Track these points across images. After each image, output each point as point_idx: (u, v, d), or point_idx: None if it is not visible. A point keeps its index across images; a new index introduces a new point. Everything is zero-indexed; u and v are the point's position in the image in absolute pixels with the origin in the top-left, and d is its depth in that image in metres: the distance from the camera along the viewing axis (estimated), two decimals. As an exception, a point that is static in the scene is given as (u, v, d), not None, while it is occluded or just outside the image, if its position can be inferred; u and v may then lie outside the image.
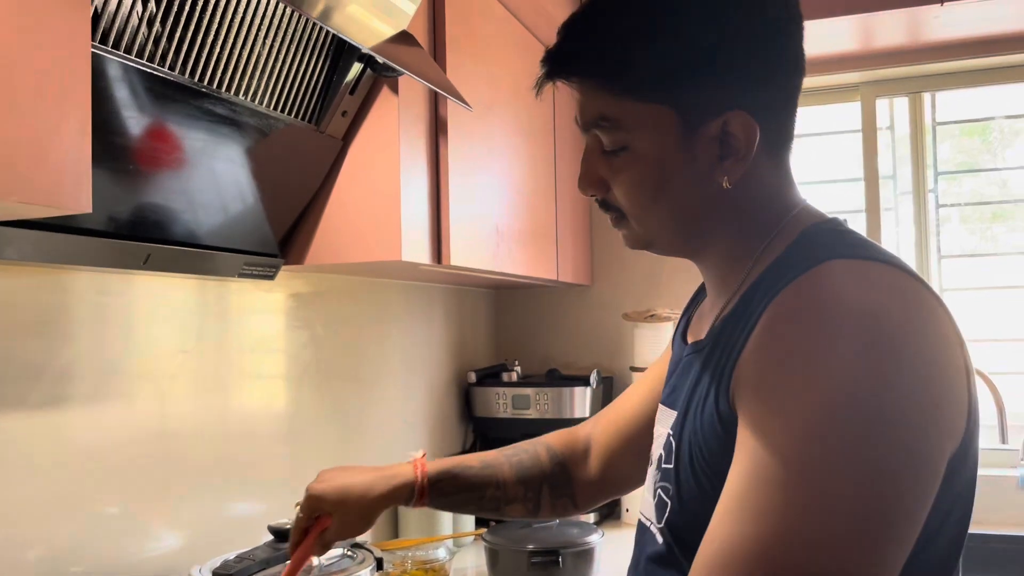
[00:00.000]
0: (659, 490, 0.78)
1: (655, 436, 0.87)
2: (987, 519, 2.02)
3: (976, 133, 2.36)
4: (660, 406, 0.88)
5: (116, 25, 0.96)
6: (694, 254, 0.83)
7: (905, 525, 0.60)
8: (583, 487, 1.08)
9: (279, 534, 1.26)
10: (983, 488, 0.71)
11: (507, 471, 1.06)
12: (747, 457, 0.63)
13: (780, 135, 0.78)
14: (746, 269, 0.77)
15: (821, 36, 2.11)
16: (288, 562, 1.01)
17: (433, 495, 1.03)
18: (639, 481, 1.00)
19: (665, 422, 0.83)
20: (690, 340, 0.87)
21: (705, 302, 0.90)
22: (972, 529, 0.71)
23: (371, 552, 1.29)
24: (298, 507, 1.03)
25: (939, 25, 2.05)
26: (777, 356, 0.65)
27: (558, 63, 0.78)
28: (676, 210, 0.77)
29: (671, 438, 0.79)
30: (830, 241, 0.73)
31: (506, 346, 2.57)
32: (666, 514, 0.76)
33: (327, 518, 1.00)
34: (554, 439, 1.11)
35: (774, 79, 0.75)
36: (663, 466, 0.78)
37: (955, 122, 2.36)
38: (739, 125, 0.73)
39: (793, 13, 0.76)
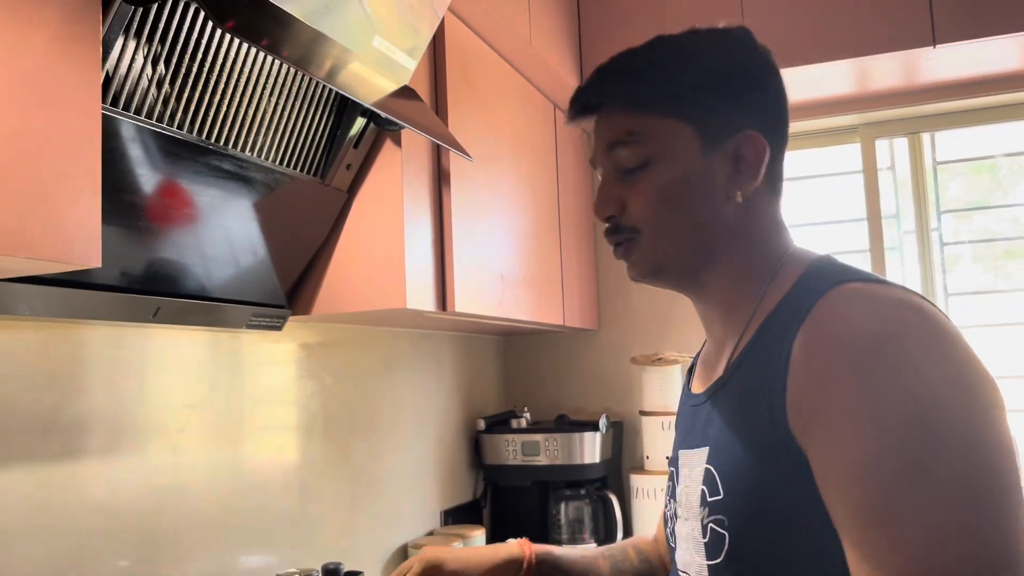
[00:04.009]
0: (711, 525, 0.79)
1: (681, 481, 0.89)
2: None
3: (985, 171, 2.37)
4: (680, 452, 0.90)
5: (127, 88, 1.00)
6: (700, 286, 0.86)
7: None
8: None
9: (287, 584, 1.26)
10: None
11: (603, 564, 1.12)
12: (862, 481, 0.65)
13: (778, 169, 0.86)
14: (752, 305, 0.81)
15: (819, 79, 2.15)
16: None
17: (538, 574, 1.09)
18: None
19: (692, 463, 0.85)
20: (700, 386, 0.91)
21: (707, 348, 0.94)
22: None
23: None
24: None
25: (933, 66, 2.09)
26: (846, 385, 0.67)
27: (590, 93, 0.86)
28: (692, 224, 0.82)
29: (713, 472, 0.80)
30: (842, 269, 0.78)
31: (515, 393, 2.57)
32: (725, 546, 0.77)
33: None
34: (635, 541, 1.19)
35: (778, 112, 0.86)
36: (709, 500, 0.79)
37: (955, 161, 2.38)
38: (751, 146, 0.82)
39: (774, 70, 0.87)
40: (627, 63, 0.87)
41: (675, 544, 0.90)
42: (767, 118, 0.85)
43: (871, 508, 0.64)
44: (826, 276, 0.76)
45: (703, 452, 0.83)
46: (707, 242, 0.83)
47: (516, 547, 1.09)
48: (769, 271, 0.82)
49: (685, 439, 0.90)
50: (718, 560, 0.78)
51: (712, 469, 0.80)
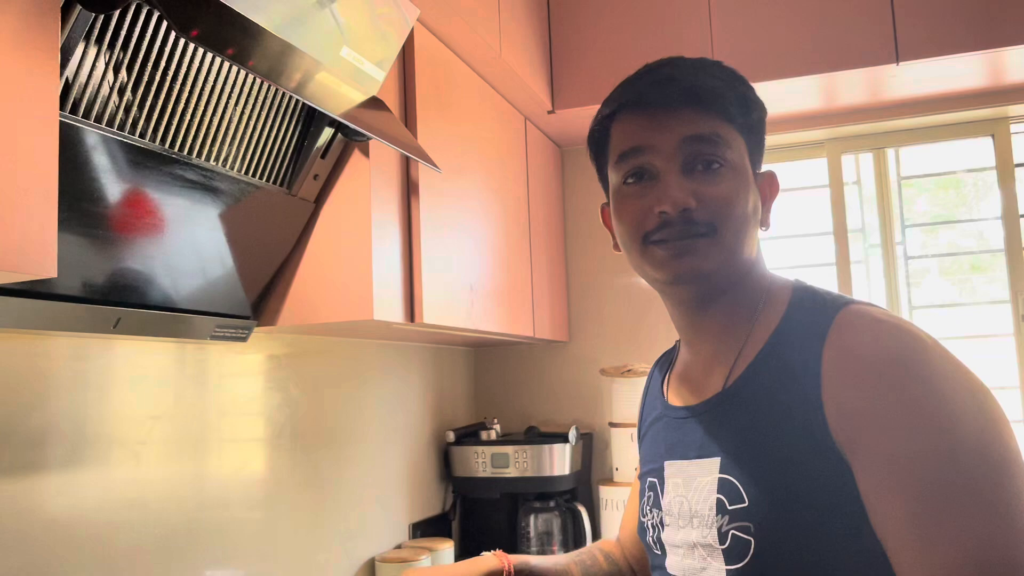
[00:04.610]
0: (732, 532, 0.82)
1: (669, 491, 0.91)
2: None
3: (951, 186, 2.41)
4: (667, 463, 0.92)
5: (87, 95, 0.98)
6: (719, 299, 0.90)
7: None
8: None
9: (249, 600, 1.24)
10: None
11: (575, 569, 1.15)
12: (916, 484, 0.71)
13: None
14: (748, 325, 0.88)
15: (786, 95, 2.18)
16: None
17: None
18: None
19: (689, 473, 0.88)
20: (683, 400, 0.94)
21: (688, 364, 0.96)
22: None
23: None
24: None
25: (897, 83, 2.12)
26: (900, 397, 0.75)
27: (695, 95, 0.88)
28: (748, 234, 0.89)
29: (733, 481, 0.83)
30: (833, 295, 0.87)
31: (484, 404, 2.56)
32: (751, 551, 0.80)
33: None
34: (601, 545, 1.22)
35: None
36: (730, 508, 0.82)
37: (919, 176, 2.42)
38: (773, 183, 0.93)
39: None
40: (721, 72, 0.91)
41: (662, 551, 0.92)
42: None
43: (923, 508, 0.70)
44: (823, 301, 0.85)
45: (711, 462, 0.85)
46: (749, 257, 0.89)
47: (494, 560, 1.10)
48: (761, 295, 0.89)
49: (671, 450, 0.92)
50: (741, 564, 0.81)
51: (731, 478, 0.83)
